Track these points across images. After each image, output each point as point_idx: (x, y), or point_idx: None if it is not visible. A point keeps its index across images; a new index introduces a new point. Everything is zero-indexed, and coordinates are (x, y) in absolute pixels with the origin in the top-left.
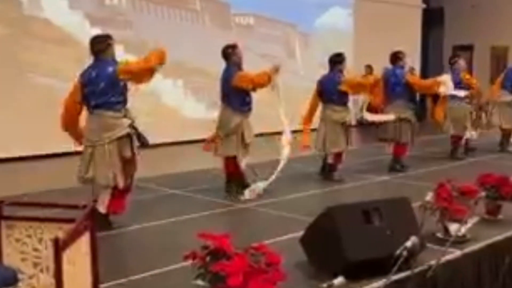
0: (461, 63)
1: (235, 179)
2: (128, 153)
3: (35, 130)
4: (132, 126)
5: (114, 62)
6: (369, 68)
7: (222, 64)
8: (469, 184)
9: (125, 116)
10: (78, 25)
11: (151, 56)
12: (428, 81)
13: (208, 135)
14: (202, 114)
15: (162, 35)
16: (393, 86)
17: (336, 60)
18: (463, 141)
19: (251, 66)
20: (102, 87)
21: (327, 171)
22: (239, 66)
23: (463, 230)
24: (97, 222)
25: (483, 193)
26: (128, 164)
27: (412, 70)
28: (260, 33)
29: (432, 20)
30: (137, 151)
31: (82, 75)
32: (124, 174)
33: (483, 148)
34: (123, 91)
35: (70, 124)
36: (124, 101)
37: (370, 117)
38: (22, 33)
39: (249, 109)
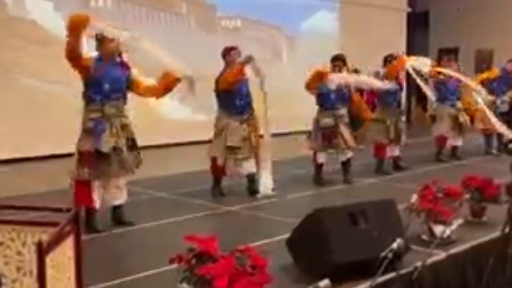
0: (453, 66)
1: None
2: (85, 147)
3: (19, 131)
4: (96, 120)
5: None
6: (355, 72)
7: (207, 67)
8: (453, 186)
9: (100, 111)
10: (63, 27)
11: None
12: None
13: (193, 137)
14: (188, 117)
15: (146, 38)
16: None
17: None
18: (448, 145)
19: None
20: None
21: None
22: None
23: (448, 231)
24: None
25: (467, 195)
26: (87, 159)
27: (377, 74)
28: (247, 35)
29: (418, 23)
30: (105, 149)
31: None
32: (80, 168)
33: (467, 151)
34: (98, 83)
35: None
36: (102, 95)
37: None
38: (7, 34)
39: (240, 113)
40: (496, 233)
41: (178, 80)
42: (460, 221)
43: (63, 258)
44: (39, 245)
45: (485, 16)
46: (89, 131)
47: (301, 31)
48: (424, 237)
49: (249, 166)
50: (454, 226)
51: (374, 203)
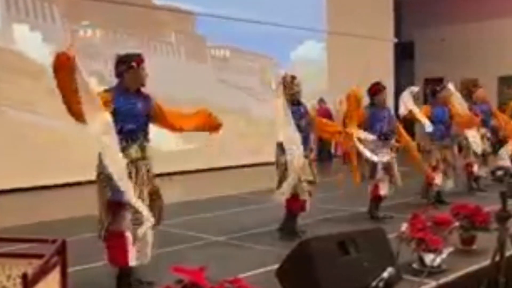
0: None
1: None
2: (112, 197)
3: (5, 164)
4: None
5: None
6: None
7: (198, 96)
8: (443, 215)
9: (124, 155)
10: (51, 58)
11: None
12: None
13: (183, 167)
14: (180, 146)
15: None
16: None
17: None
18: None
19: (227, 98)
20: None
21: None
22: (291, 100)
23: (438, 260)
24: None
25: (456, 223)
26: (113, 208)
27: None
28: (236, 65)
29: (403, 53)
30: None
31: None
32: (110, 217)
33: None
34: (120, 122)
35: None
36: (126, 135)
37: None
38: None
39: (304, 147)
40: (486, 261)
41: (219, 125)
42: (450, 249)
43: None
44: (24, 277)
45: (469, 47)
46: (111, 178)
47: (290, 60)
48: (415, 266)
49: None
50: (444, 255)
51: (364, 232)
